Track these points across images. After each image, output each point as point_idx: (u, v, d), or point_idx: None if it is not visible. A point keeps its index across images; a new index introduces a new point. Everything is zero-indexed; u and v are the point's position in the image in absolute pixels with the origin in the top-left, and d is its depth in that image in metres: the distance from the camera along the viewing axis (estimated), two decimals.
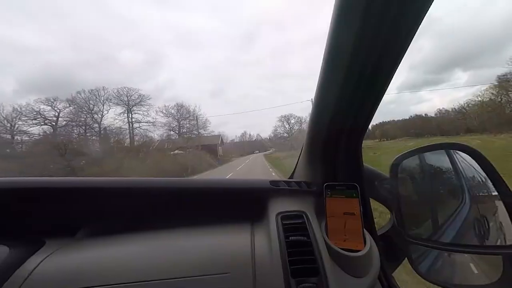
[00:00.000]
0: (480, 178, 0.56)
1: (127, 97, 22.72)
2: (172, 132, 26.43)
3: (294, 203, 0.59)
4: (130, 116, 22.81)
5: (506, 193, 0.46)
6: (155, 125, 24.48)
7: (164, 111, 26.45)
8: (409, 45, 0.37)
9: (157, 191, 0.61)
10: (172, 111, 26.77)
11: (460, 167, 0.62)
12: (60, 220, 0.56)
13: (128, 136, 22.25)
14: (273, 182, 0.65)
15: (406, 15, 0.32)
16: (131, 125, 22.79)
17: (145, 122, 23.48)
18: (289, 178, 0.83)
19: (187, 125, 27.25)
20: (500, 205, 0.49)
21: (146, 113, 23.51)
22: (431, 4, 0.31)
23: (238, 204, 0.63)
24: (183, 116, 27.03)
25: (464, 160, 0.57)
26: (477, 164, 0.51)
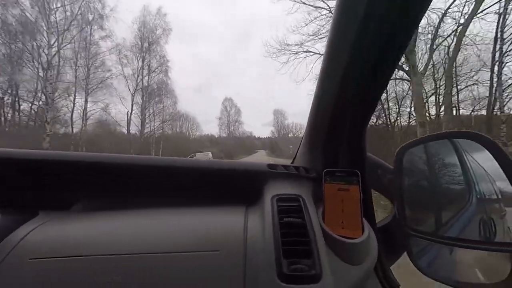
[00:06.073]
0: (489, 175, 0.53)
1: None
2: None
3: (291, 187, 0.57)
4: None
5: None
6: None
7: None
8: (420, 19, 0.35)
9: (153, 169, 0.60)
10: None
11: (467, 161, 0.58)
12: (56, 193, 0.56)
13: None
14: (270, 166, 0.63)
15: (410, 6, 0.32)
16: None
17: None
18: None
19: None
20: (510, 210, 0.46)
21: None
22: None
23: (234, 186, 0.61)
24: None
25: (473, 151, 0.54)
26: (489, 155, 0.47)
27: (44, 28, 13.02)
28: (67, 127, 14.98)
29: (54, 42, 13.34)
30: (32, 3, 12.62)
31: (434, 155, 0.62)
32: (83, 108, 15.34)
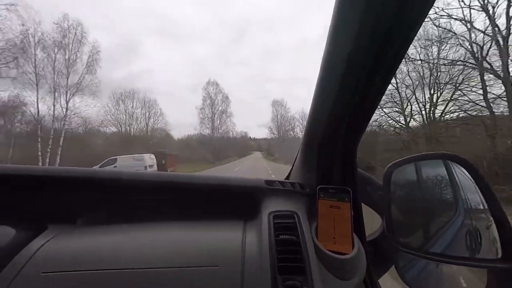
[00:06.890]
0: (477, 192, 0.56)
1: None
2: None
3: (287, 203, 0.60)
4: None
5: (496, 209, 0.47)
6: None
7: None
8: (406, 51, 0.37)
9: (155, 184, 0.63)
10: None
11: (457, 180, 0.61)
12: (63, 207, 0.59)
13: None
14: (268, 182, 0.66)
15: (404, 19, 0.32)
16: None
17: None
18: (285, 179, 0.83)
19: None
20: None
21: None
22: (430, 8, 0.31)
23: (232, 201, 0.64)
24: None
25: (463, 173, 0.57)
26: (472, 179, 0.51)
27: None
28: None
29: None
30: None
31: (422, 171, 0.65)
32: None
